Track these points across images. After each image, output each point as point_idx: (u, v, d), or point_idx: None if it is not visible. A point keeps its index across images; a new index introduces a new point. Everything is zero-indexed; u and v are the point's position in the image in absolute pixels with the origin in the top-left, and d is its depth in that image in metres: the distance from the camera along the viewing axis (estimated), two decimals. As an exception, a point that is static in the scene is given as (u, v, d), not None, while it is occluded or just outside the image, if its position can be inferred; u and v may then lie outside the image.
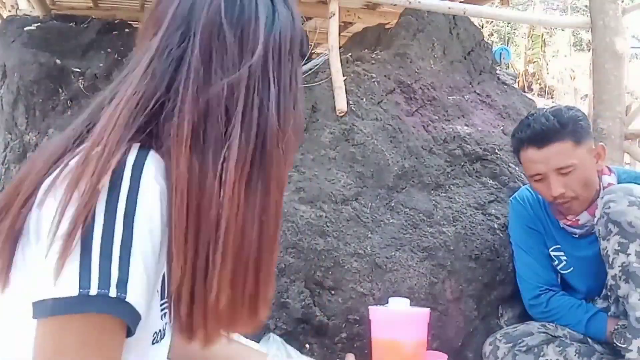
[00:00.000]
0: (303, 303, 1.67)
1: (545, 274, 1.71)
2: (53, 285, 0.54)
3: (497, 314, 1.91)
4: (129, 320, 0.57)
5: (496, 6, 3.44)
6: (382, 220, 1.86)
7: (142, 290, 0.57)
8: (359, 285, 1.73)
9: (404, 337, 1.50)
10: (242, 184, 0.62)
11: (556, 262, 1.72)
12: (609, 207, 1.39)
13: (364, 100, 2.10)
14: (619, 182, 1.56)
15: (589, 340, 1.59)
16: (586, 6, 2.53)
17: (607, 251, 1.41)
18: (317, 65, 2.23)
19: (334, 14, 2.18)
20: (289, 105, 0.69)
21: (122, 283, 0.55)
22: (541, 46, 12.58)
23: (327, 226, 1.77)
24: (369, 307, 1.62)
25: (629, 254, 1.35)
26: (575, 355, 1.54)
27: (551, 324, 1.65)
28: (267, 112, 0.66)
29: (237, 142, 0.62)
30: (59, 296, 0.54)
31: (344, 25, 3.83)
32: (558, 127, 1.52)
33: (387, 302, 1.61)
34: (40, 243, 0.58)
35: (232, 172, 0.62)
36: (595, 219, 1.46)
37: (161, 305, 0.67)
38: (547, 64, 12.82)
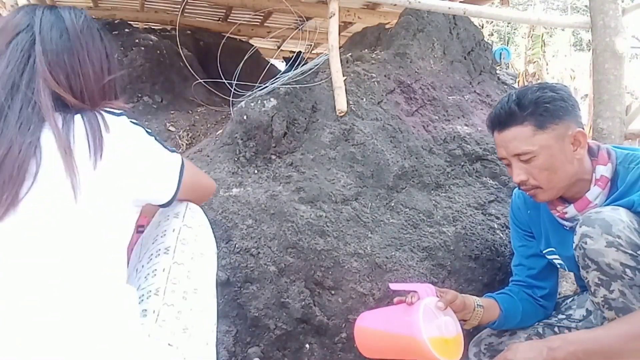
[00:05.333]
0: (303, 303, 1.67)
1: (520, 273, 1.65)
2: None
3: (497, 314, 1.91)
4: None
5: (496, 6, 3.44)
6: (382, 220, 1.85)
7: None
8: (359, 285, 1.73)
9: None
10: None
11: (558, 265, 1.61)
12: (585, 243, 1.24)
13: (364, 100, 2.10)
14: (616, 172, 1.40)
15: None
16: (586, 6, 2.53)
17: (588, 281, 1.29)
18: (317, 65, 2.22)
19: (334, 14, 2.18)
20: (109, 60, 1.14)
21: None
22: (541, 46, 12.59)
23: (327, 226, 1.77)
24: (368, 308, 1.62)
25: (612, 291, 1.24)
26: None
27: (536, 335, 1.60)
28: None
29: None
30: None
31: (344, 25, 3.83)
32: (516, 110, 1.36)
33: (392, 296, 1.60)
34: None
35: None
36: (574, 243, 1.30)
37: None
38: (547, 64, 12.85)
